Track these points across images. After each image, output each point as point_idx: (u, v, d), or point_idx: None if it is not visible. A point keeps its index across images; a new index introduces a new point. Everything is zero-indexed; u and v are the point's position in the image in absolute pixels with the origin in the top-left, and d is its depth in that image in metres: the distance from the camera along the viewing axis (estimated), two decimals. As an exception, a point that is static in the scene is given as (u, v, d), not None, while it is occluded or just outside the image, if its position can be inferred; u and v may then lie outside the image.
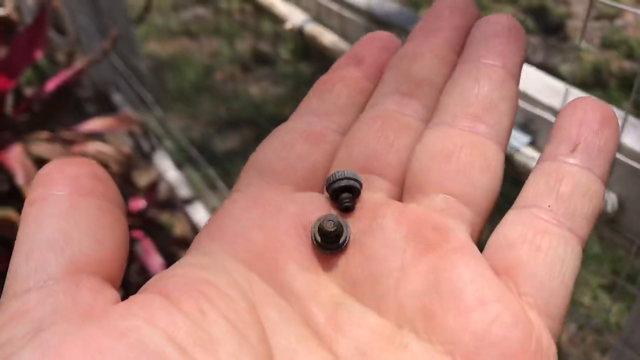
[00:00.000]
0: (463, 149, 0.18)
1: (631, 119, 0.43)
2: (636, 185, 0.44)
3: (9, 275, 0.14)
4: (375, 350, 0.15)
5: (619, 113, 0.44)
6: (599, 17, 2.33)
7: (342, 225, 0.16)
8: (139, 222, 1.11)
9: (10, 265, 0.14)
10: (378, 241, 0.17)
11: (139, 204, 1.13)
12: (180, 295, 0.14)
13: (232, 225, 0.17)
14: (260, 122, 1.72)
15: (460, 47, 0.20)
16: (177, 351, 0.13)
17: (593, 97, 0.18)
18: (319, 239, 0.16)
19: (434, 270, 0.16)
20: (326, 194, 0.18)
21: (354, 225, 0.17)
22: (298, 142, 0.19)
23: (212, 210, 1.47)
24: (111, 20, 1.63)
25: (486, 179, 0.18)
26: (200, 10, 2.25)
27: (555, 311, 0.16)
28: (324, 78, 0.21)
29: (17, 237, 0.14)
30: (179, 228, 1.49)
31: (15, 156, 0.83)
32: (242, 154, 1.65)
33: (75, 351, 0.12)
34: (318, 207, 0.18)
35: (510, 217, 0.17)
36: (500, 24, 0.20)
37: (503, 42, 0.19)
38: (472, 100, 0.19)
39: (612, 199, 0.45)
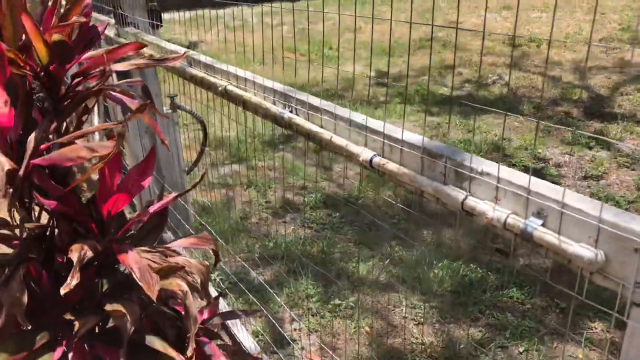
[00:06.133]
0: None
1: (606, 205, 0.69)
2: (615, 244, 0.69)
3: None
4: None
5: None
6: (586, 177, 2.71)
7: None
8: (204, 330, 1.30)
9: None
10: None
11: (204, 314, 1.33)
12: None
13: None
14: (291, 259, 1.95)
15: None
16: None
17: None
18: None
19: None
20: None
21: None
22: None
23: (253, 333, 1.65)
24: (167, 169, 1.92)
25: None
26: (236, 167, 2.58)
27: None
28: None
29: None
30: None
31: (133, 258, 1.06)
32: (277, 285, 1.86)
33: None
34: None
35: None
36: None
37: None
38: None
39: (600, 254, 0.70)
